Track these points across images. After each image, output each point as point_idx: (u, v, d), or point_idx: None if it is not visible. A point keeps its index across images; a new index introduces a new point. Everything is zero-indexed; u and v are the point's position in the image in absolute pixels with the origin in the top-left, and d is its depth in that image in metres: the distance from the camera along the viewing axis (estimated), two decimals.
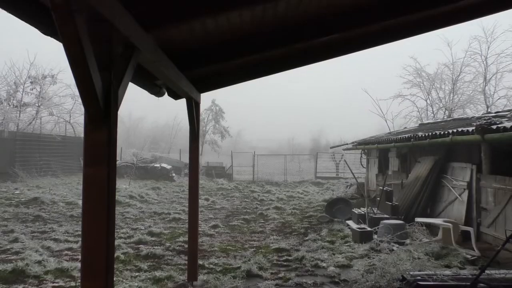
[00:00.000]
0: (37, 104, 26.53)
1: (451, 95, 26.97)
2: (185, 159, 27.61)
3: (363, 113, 34.47)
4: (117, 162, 22.64)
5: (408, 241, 8.54)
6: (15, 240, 8.58)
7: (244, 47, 4.74)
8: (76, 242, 8.52)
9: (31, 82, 26.07)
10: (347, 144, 20.51)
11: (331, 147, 25.80)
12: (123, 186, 17.98)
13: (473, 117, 13.18)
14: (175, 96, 5.72)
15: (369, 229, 9.23)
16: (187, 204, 6.15)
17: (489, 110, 23.11)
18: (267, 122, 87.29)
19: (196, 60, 4.81)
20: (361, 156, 19.84)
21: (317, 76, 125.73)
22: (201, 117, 26.17)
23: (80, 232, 6.56)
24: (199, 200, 7.62)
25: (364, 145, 16.79)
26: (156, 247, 8.24)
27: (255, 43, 4.70)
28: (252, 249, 8.35)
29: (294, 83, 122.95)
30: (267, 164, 30.02)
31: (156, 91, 5.46)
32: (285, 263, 7.29)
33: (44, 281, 6.05)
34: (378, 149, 15.51)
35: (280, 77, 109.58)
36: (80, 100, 3.92)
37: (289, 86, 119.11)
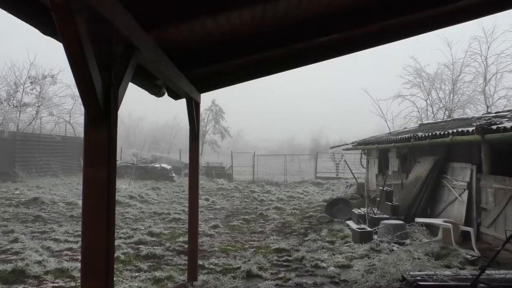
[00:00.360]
0: (37, 104, 26.53)
1: (451, 95, 26.96)
2: (185, 159, 27.54)
3: (363, 113, 34.52)
4: (117, 162, 22.60)
5: (408, 241, 8.55)
6: (15, 240, 8.59)
7: (244, 47, 4.75)
8: (76, 242, 8.53)
9: (31, 82, 26.07)
10: (347, 144, 20.50)
11: (331, 147, 25.80)
12: (123, 186, 17.98)
13: (473, 117, 13.18)
14: (175, 96, 5.72)
15: (369, 229, 9.23)
16: (187, 204, 6.15)
17: (489, 110, 23.10)
18: (267, 122, 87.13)
19: (196, 60, 4.82)
20: (361, 156, 19.83)
21: (317, 76, 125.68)
22: (201, 117, 26.16)
23: (80, 232, 6.57)
24: (199, 200, 7.62)
25: (364, 145, 16.79)
26: (156, 247, 8.24)
27: (255, 43, 4.71)
28: (252, 249, 8.35)
29: (293, 84, 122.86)
30: (267, 164, 30.02)
31: (156, 91, 5.46)
32: (285, 263, 7.29)
33: (44, 281, 6.05)
34: (378, 149, 15.50)
35: (279, 78, 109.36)
36: (80, 100, 3.92)
37: (289, 87, 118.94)
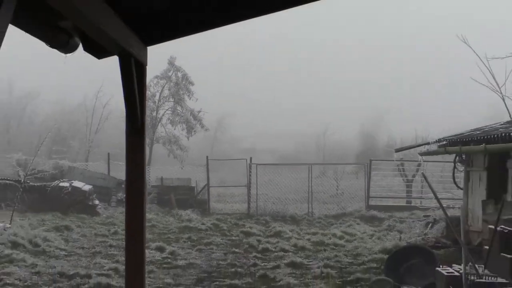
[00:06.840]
0: None
1: None
2: (118, 172, 19.41)
3: (459, 83, 22.85)
4: None
5: None
6: None
7: None
8: None
9: None
10: (428, 144, 14.12)
11: (397, 150, 16.91)
12: None
13: None
14: (98, 51, 3.79)
15: None
16: (123, 259, 4.48)
17: None
18: (273, 102, 54.08)
19: None
20: (455, 167, 13.83)
21: (366, 15, 72.16)
22: (148, 92, 18.27)
23: None
24: (147, 251, 5.32)
25: (460, 146, 12.02)
26: None
27: None
28: None
29: (318, 29, 68.62)
30: (275, 181, 20.67)
31: (61, 42, 3.57)
32: None
33: None
34: (487, 154, 11.35)
35: (290, 19, 57.92)
36: None
37: (310, 34, 66.12)
